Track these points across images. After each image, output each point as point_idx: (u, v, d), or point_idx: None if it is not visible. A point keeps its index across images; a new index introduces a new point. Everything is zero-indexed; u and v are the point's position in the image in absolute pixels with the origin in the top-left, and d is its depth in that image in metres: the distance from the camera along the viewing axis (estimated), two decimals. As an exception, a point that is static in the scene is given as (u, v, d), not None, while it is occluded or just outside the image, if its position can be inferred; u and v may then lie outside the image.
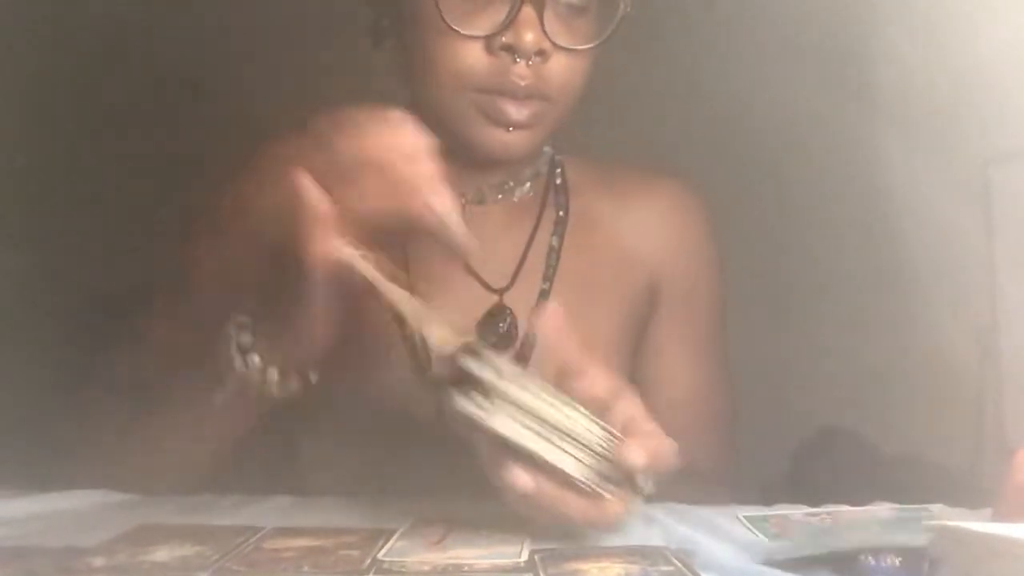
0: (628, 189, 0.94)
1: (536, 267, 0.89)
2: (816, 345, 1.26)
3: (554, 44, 0.78)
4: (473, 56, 0.77)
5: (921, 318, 1.07)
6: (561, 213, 0.91)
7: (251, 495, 0.74)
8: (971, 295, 1.01)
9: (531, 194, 0.90)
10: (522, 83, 0.77)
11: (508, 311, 0.86)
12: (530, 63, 0.77)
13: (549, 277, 0.88)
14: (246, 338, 0.71)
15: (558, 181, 0.93)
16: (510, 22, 0.76)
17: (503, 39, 0.76)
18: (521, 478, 0.58)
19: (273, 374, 0.71)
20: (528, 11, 0.76)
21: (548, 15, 0.77)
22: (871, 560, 0.56)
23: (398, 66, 0.83)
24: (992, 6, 0.95)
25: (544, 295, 0.87)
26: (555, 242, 0.90)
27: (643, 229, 0.93)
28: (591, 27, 0.80)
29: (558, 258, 0.89)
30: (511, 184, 0.89)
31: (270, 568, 0.56)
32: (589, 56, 0.81)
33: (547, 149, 0.92)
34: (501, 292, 0.87)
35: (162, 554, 0.58)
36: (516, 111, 0.78)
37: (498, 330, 0.85)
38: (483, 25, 0.77)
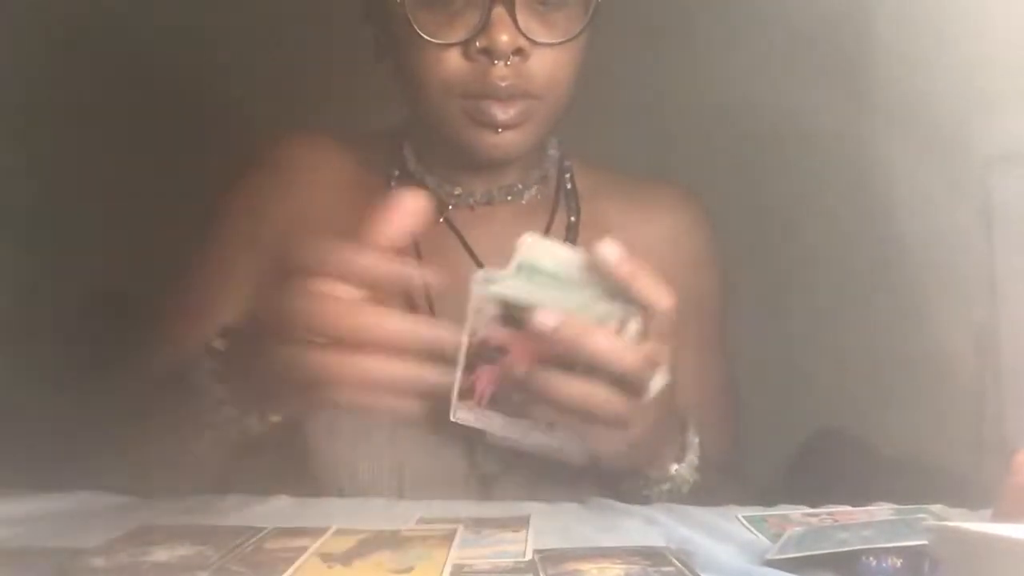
0: (635, 196, 0.94)
1: None
2: (816, 345, 1.26)
3: (531, 41, 0.77)
4: (453, 63, 0.78)
5: (921, 318, 1.07)
6: (573, 218, 0.91)
7: (251, 495, 0.74)
8: (971, 295, 1.00)
9: (539, 197, 0.90)
10: (503, 84, 0.77)
11: None
12: (508, 63, 0.77)
13: None
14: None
15: (568, 186, 0.92)
16: (483, 25, 0.76)
17: (477, 43, 0.77)
18: (547, 315, 0.65)
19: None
20: (500, 12, 0.76)
21: (522, 13, 0.77)
22: (871, 560, 0.57)
23: (396, 78, 0.84)
24: (992, 5, 0.95)
25: None
26: None
27: (651, 237, 0.92)
28: (572, 21, 0.79)
29: None
30: (519, 187, 0.89)
31: (270, 568, 0.56)
32: (577, 50, 0.80)
33: (554, 152, 0.92)
34: None
35: (162, 554, 0.58)
36: (502, 112, 0.78)
37: None
38: (459, 32, 0.77)
